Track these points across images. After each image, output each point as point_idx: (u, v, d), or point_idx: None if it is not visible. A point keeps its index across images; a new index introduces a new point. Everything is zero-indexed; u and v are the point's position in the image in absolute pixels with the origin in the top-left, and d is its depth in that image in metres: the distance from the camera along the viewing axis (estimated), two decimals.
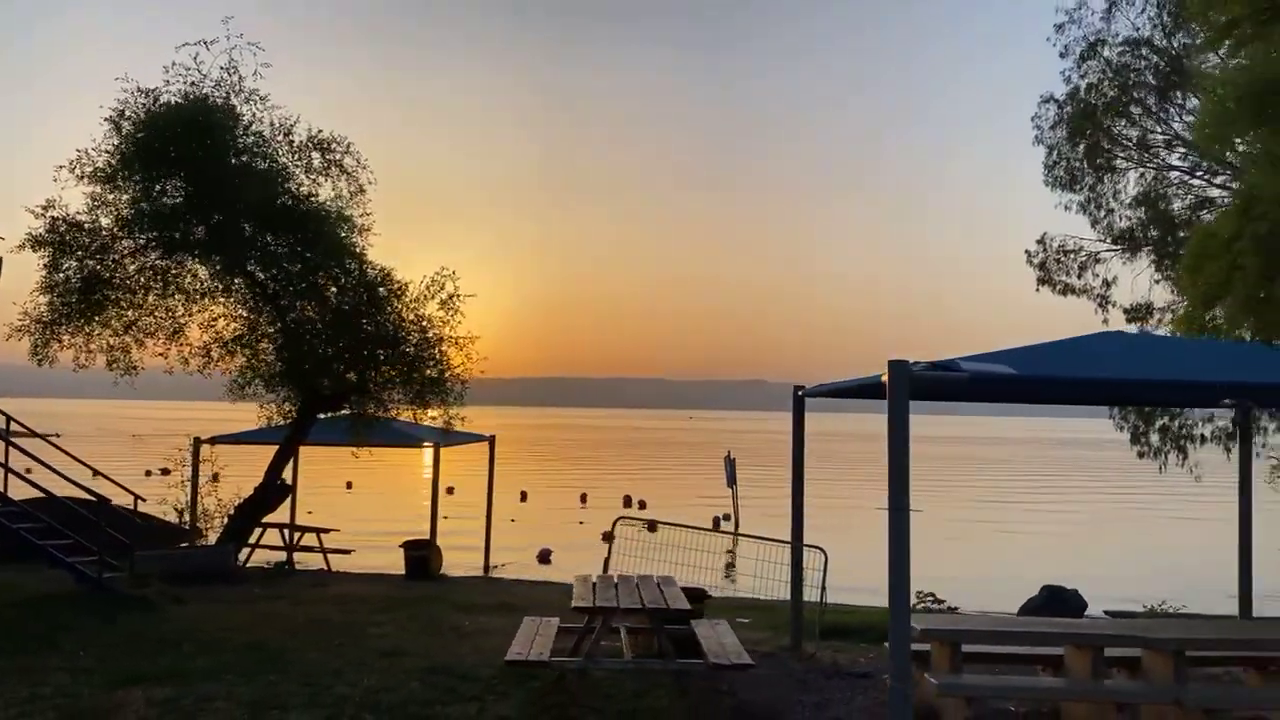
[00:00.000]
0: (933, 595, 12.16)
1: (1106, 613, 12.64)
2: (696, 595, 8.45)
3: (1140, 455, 22.05)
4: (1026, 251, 23.67)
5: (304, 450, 17.58)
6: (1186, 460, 20.68)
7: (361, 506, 30.28)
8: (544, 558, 20.34)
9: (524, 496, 33.90)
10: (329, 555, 16.64)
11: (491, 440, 18.52)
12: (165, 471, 15.12)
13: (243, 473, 16.06)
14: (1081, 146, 21.76)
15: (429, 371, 12.92)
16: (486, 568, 17.67)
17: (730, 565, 18.73)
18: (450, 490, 35.80)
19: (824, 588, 9.21)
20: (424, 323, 13.06)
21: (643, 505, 31.26)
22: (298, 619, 9.79)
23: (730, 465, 28.46)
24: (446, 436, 16.16)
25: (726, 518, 27.61)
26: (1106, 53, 21.19)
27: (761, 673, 7.78)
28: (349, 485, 36.71)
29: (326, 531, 17.16)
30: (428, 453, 16.52)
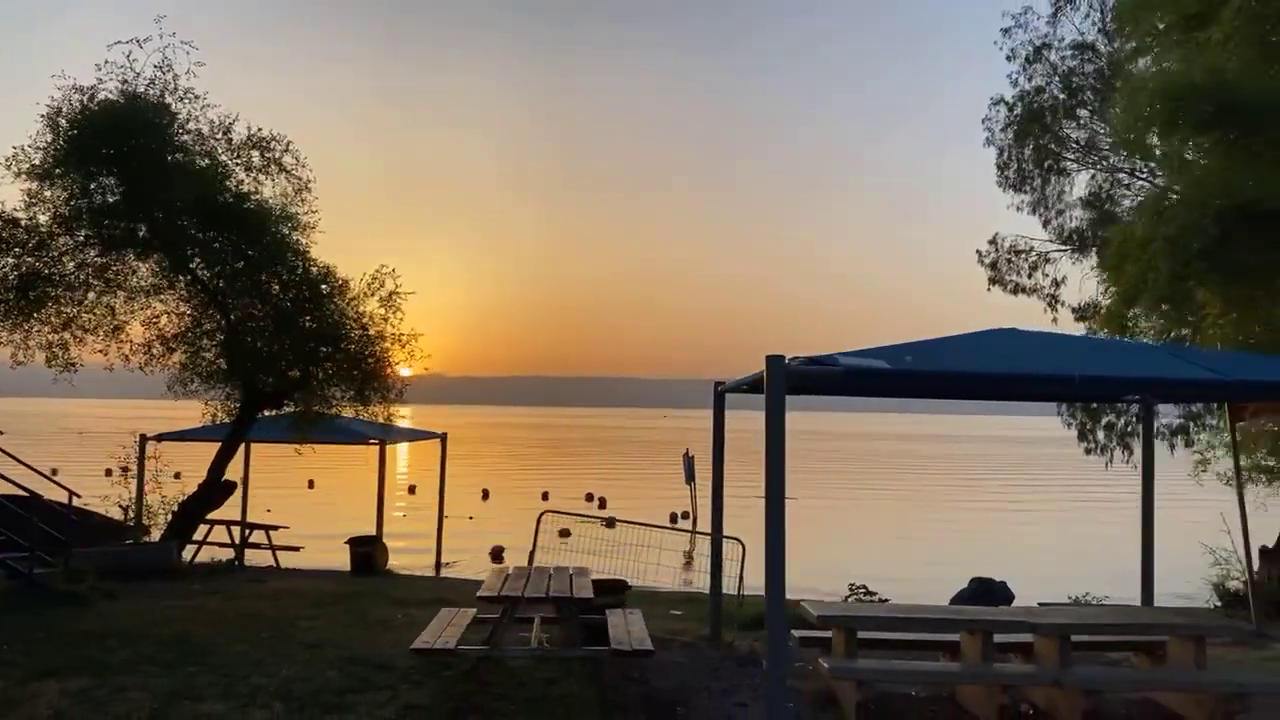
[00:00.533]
0: (864, 587, 12.42)
1: (1040, 604, 12.97)
2: (616, 587, 8.64)
3: (1088, 452, 22.54)
4: (978, 251, 24.10)
5: (268, 449, 17.63)
6: (1132, 456, 21.13)
7: (322, 504, 30.24)
8: (496, 555, 20.45)
9: (485, 495, 33.97)
10: (277, 552, 16.71)
11: (443, 438, 18.64)
12: (125, 470, 15.11)
13: (192, 470, 16.07)
14: (1030, 148, 22.20)
15: (369, 368, 13.01)
16: (438, 565, 17.80)
17: (688, 561, 19.40)
18: (412, 489, 35.89)
19: (741, 579, 9.42)
20: (364, 320, 13.15)
21: (603, 503, 31.44)
22: (228, 614, 9.87)
23: (689, 463, 28.70)
24: (390, 433, 16.31)
25: (685, 514, 27.88)
26: (1052, 56, 21.63)
27: (677, 660, 7.99)
28: (310, 484, 36.60)
29: (275, 529, 17.21)
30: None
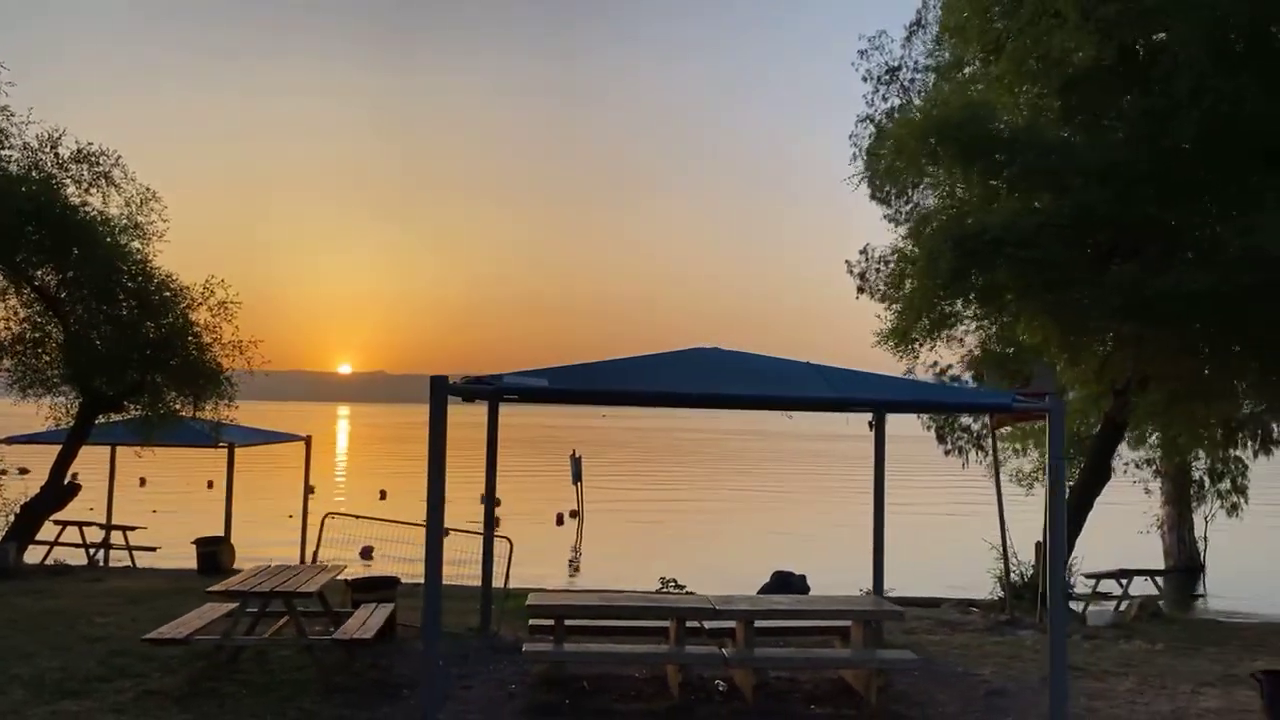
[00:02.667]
0: (674, 580, 13.28)
1: (830, 595, 13.98)
2: (386, 583, 9.36)
3: (946, 454, 23.84)
4: (847, 261, 25.22)
5: (172, 451, 17.92)
6: (987, 458, 22.38)
7: (212, 506, 30.23)
8: (366, 554, 20.92)
9: (383, 495, 34.28)
10: (134, 552, 17.08)
11: (307, 440, 19.15)
12: (23, 470, 15.32)
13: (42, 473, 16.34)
14: (883, 165, 23.41)
15: (205, 372, 13.53)
16: (301, 562, 18.29)
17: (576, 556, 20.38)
18: (312, 490, 36.03)
19: (508, 574, 10.18)
20: (196, 327, 13.65)
21: (497, 503, 32.09)
22: (31, 610, 10.31)
23: (575, 464, 29.50)
24: (250, 436, 16.75)
25: (573, 514, 28.66)
26: (904, 77, 22.83)
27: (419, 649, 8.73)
28: (209, 485, 36.44)
29: (133, 529, 17.56)
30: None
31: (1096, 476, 13.27)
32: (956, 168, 11.70)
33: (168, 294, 13.97)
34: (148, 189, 13.99)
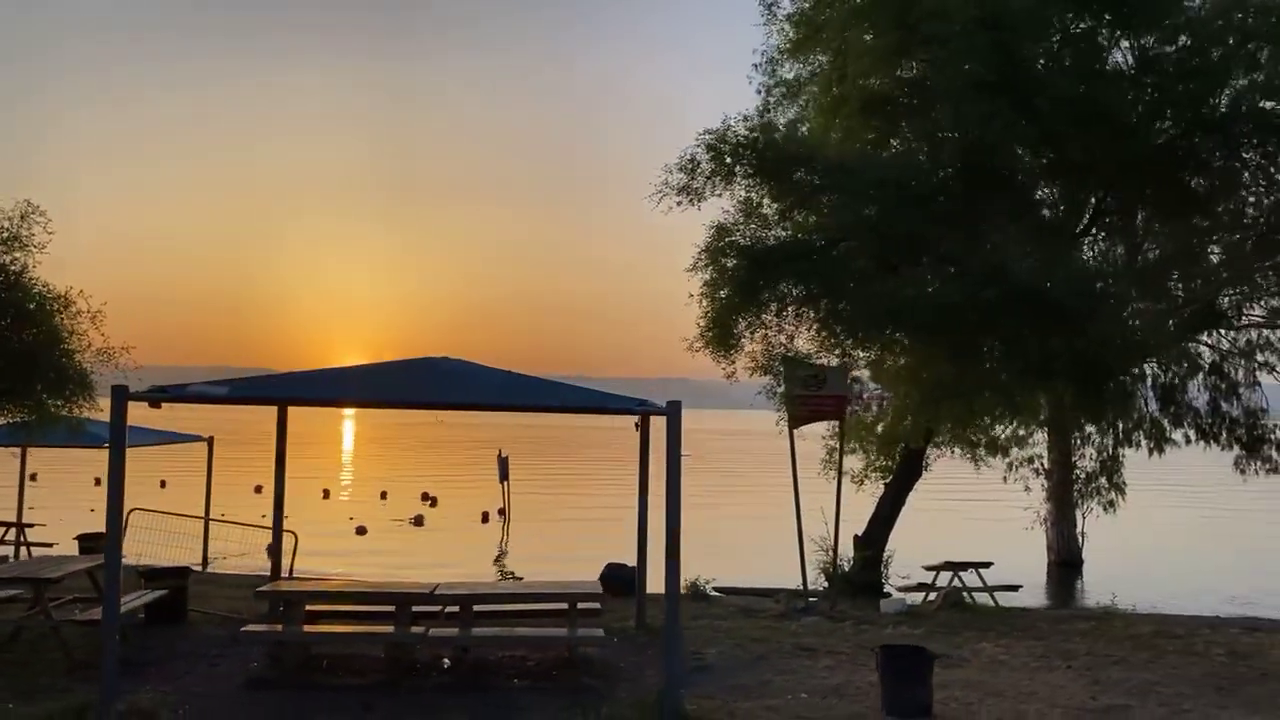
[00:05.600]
0: (512, 572, 14.12)
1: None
2: (176, 573, 10.21)
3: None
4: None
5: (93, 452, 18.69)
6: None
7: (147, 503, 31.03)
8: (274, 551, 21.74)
9: (326, 494, 35.12)
10: (31, 549, 17.94)
11: (210, 441, 19.99)
12: None
13: None
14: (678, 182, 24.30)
15: (71, 375, 14.35)
16: (205, 561, 19.10)
17: (501, 556, 21.31)
18: (258, 489, 36.88)
19: (293, 565, 11.01)
20: (62, 334, 14.47)
21: (434, 502, 32.98)
22: None
23: (502, 464, 30.34)
24: (145, 436, 17.53)
25: (501, 512, 29.52)
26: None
27: (207, 633, 9.55)
28: (163, 484, 37.27)
29: (30, 526, 18.42)
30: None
31: (909, 473, 14.05)
32: (754, 183, 12.49)
33: (41, 303, 14.81)
34: (28, 202, 14.86)
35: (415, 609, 8.56)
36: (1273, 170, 14.43)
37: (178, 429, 18.94)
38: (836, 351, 12.26)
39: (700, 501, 36.78)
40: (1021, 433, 21.00)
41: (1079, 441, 21.83)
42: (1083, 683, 8.59)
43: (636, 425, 10.54)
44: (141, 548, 13.51)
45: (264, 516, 18.61)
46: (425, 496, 34.23)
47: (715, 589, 14.90)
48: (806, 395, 12.11)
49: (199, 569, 15.23)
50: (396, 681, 7.95)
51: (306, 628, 8.35)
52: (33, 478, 36.04)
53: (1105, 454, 22.37)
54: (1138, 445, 22.67)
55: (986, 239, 11.00)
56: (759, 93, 23.27)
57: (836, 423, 13.35)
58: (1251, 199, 15.57)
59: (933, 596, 14.18)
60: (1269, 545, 27.09)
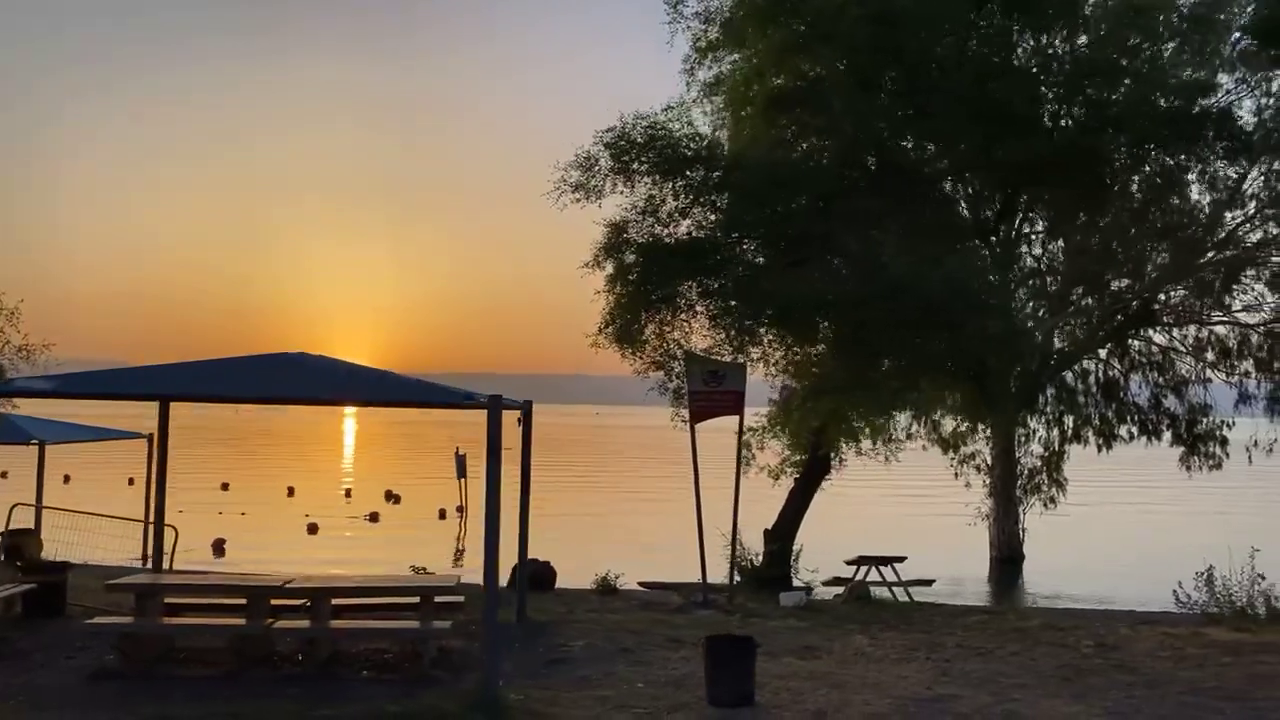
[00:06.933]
0: (425, 568, 14.19)
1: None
2: (54, 568, 10.34)
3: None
4: None
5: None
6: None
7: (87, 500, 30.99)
8: (218, 548, 21.78)
9: (291, 492, 35.18)
10: None
11: (150, 438, 20.06)
12: None
13: None
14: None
15: None
16: (143, 558, 19.21)
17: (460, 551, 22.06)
18: (225, 486, 37.00)
19: (173, 559, 11.13)
20: None
21: (397, 500, 33.16)
22: None
23: (460, 461, 30.50)
24: (73, 434, 17.68)
25: (460, 509, 29.69)
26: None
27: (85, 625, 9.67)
28: (130, 481, 37.33)
29: None
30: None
31: (817, 468, 14.16)
32: (654, 180, 12.60)
33: None
34: None
35: (277, 602, 8.66)
36: (1180, 171, 14.54)
37: (130, 428, 19.01)
38: (728, 348, 12.37)
39: (651, 496, 36.97)
40: (963, 429, 21.19)
41: (1023, 438, 22.03)
42: (931, 674, 8.70)
43: (519, 421, 10.66)
44: (60, 548, 13.66)
45: (221, 514, 18.59)
46: (389, 495, 34.33)
47: (641, 583, 15.04)
48: (706, 391, 12.23)
49: (139, 564, 15.21)
50: (243, 672, 8.06)
51: (165, 620, 8.46)
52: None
53: (1051, 450, 22.59)
54: (1085, 442, 22.91)
55: (863, 236, 11.11)
56: (686, 89, 23.72)
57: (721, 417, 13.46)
58: (1171, 200, 15.67)
59: (841, 590, 14.30)
60: (1215, 540, 27.18)
